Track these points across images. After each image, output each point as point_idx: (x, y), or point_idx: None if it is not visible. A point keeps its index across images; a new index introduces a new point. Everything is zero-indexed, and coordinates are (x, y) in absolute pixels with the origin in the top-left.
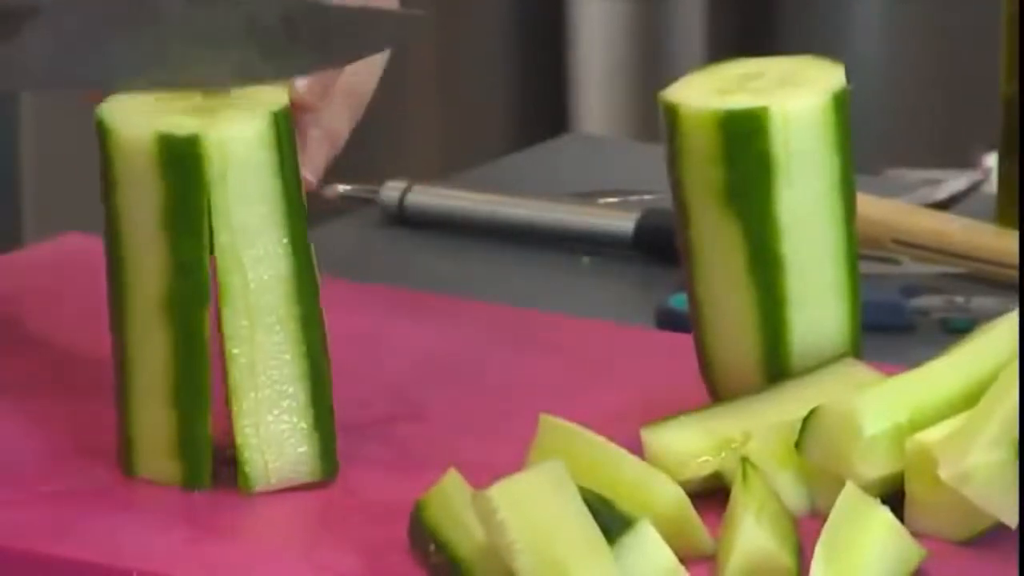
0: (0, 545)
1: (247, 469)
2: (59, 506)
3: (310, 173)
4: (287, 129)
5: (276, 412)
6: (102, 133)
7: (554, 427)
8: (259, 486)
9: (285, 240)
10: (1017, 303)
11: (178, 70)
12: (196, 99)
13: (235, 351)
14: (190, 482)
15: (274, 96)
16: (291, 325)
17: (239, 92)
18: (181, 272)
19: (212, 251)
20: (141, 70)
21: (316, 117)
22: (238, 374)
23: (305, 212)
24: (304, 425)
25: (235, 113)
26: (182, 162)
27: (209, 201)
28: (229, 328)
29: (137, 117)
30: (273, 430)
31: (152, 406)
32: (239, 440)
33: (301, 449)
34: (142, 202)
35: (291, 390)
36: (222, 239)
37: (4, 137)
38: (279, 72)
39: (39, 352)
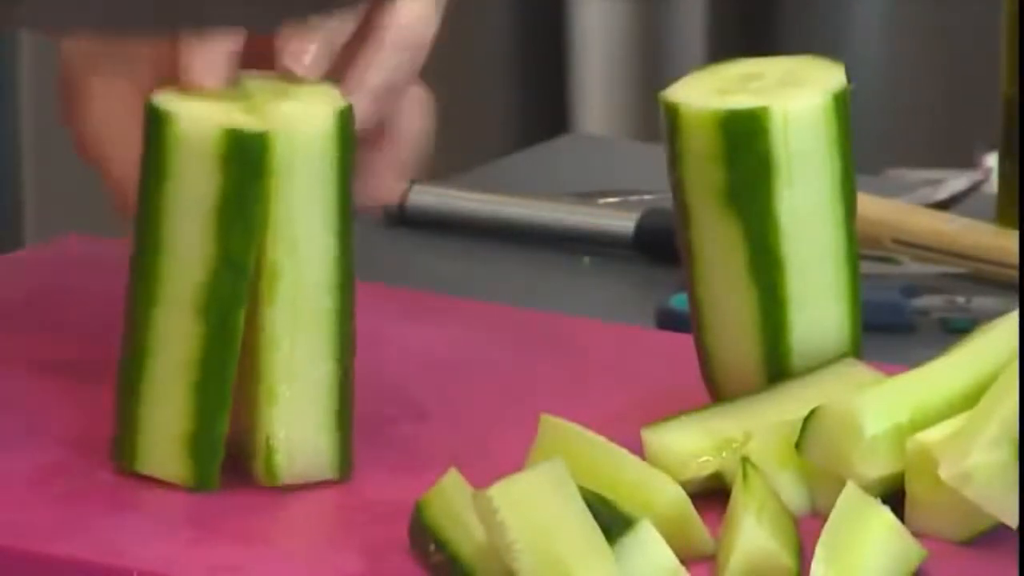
0: (0, 545)
1: (275, 464)
2: (59, 506)
3: (392, 179)
4: (349, 127)
5: (308, 411)
6: (158, 124)
7: (554, 427)
8: (283, 480)
9: (335, 241)
10: (1017, 303)
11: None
12: (251, 93)
13: (275, 349)
14: (200, 483)
15: (335, 93)
16: (332, 326)
17: (297, 88)
18: (227, 267)
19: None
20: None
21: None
22: (276, 372)
23: (354, 214)
24: (331, 424)
25: (298, 108)
26: (246, 157)
27: (268, 198)
28: (272, 326)
29: (198, 110)
30: (302, 428)
31: (168, 401)
32: (269, 436)
33: (325, 448)
34: (194, 194)
35: (324, 391)
36: (277, 236)
37: (4, 137)
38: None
39: (39, 352)
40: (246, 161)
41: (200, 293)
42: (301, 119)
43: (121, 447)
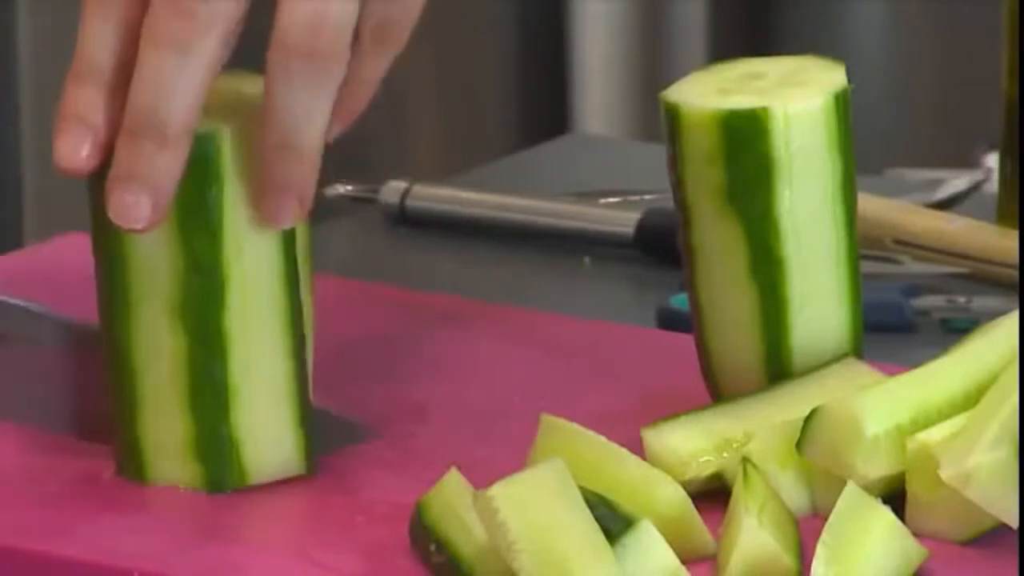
0: (0, 545)
1: (243, 465)
2: (59, 506)
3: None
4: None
5: (271, 411)
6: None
7: (555, 427)
8: (252, 480)
9: (278, 236)
10: (1018, 303)
11: None
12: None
13: (232, 348)
14: (214, 485)
15: None
16: (282, 322)
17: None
18: (197, 272)
19: None
20: None
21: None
22: (235, 374)
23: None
24: (294, 421)
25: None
26: (194, 161)
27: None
28: (228, 325)
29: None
30: (266, 428)
31: (166, 413)
32: (233, 435)
33: (288, 445)
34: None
35: (284, 389)
36: (227, 236)
37: (4, 138)
38: None
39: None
40: (203, 163)
41: (175, 302)
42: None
43: (126, 463)
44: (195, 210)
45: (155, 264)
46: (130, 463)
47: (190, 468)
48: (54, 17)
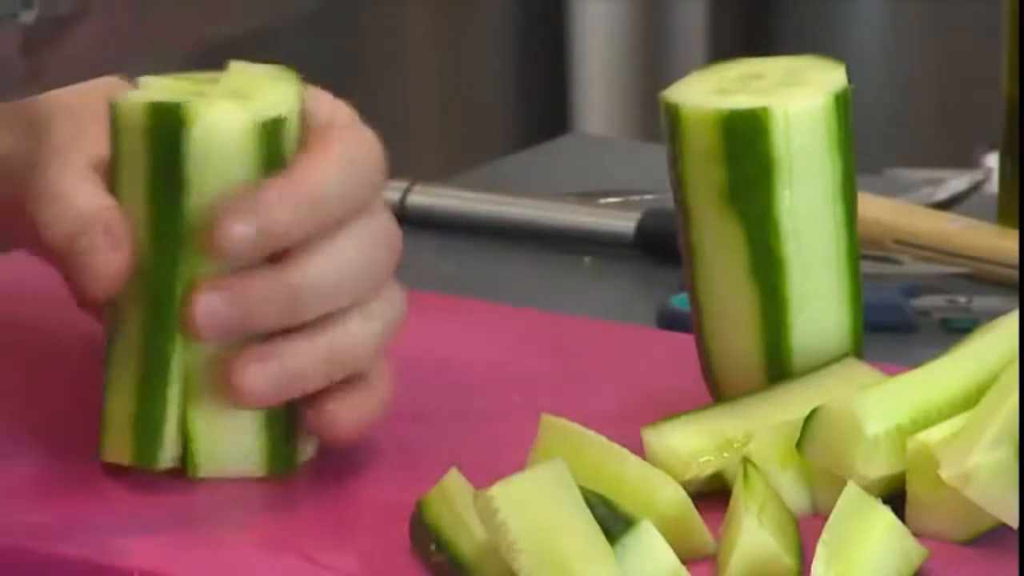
0: (0, 545)
1: (197, 457)
2: (59, 506)
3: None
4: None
5: (226, 406)
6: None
7: (555, 427)
8: (204, 473)
9: None
10: (1018, 303)
11: None
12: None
13: (196, 347)
14: (140, 459)
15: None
16: None
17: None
18: (157, 244)
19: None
20: None
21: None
22: (198, 369)
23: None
24: (257, 421)
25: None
26: (168, 135)
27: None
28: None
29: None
30: (221, 422)
31: (120, 387)
32: (191, 428)
33: (248, 445)
34: (132, 174)
35: None
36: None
37: None
38: None
39: (39, 352)
40: (167, 136)
41: (139, 274)
42: (229, 114)
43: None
44: (162, 183)
45: (134, 235)
46: (100, 439)
47: (125, 442)
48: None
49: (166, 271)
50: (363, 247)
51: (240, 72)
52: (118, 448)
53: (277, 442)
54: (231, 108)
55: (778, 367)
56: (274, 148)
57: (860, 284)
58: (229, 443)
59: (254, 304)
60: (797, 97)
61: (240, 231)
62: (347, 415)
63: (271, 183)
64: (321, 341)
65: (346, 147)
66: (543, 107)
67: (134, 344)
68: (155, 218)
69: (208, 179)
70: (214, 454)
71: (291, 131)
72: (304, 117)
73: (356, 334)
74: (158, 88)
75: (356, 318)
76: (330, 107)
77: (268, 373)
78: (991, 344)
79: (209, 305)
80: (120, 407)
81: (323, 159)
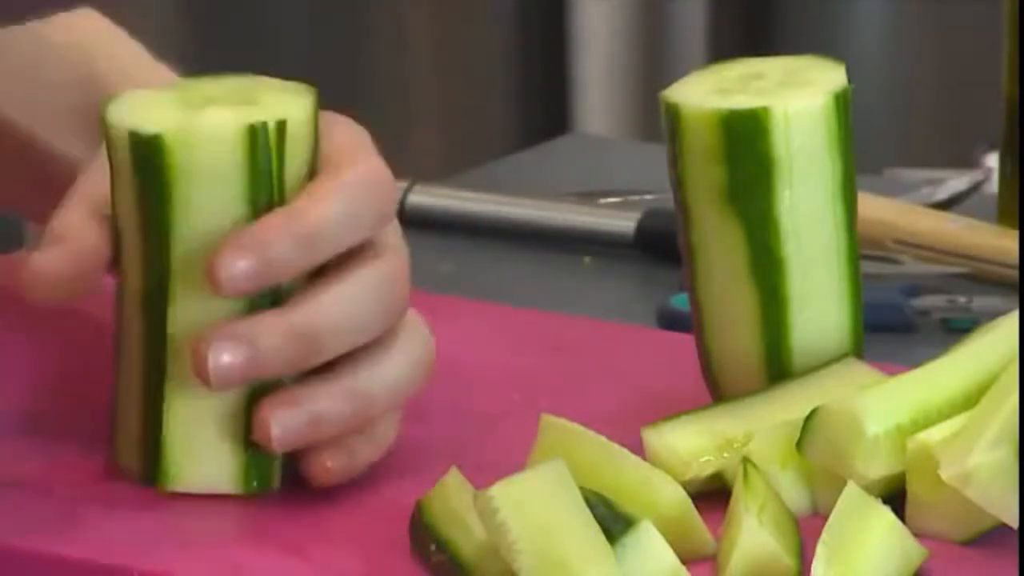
0: (0, 545)
1: (171, 469)
2: (59, 506)
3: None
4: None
5: (208, 422)
6: (104, 125)
7: (555, 427)
8: (178, 487)
9: None
10: (1018, 303)
11: None
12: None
13: (173, 360)
14: (147, 478)
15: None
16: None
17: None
18: (151, 268)
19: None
20: None
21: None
22: (176, 379)
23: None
24: (233, 438)
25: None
26: (149, 163)
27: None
28: (173, 329)
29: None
30: (203, 437)
31: (126, 400)
32: (168, 439)
33: (223, 461)
34: (127, 194)
35: (224, 403)
36: (175, 238)
37: None
38: None
39: (40, 352)
40: (148, 164)
41: (141, 292)
42: (218, 123)
43: (109, 443)
44: (150, 212)
45: (133, 251)
46: (109, 445)
47: (136, 459)
48: None
49: (157, 294)
50: (367, 286)
51: (255, 83)
52: (128, 461)
53: (256, 460)
54: (221, 116)
55: (778, 367)
56: (266, 156)
57: (860, 284)
58: (204, 459)
59: (264, 352)
60: (797, 97)
61: (239, 267)
62: (342, 466)
63: (273, 216)
64: (345, 382)
65: (356, 176)
66: (543, 107)
67: (137, 361)
68: (145, 235)
69: (196, 197)
70: (188, 468)
71: (295, 143)
72: (318, 138)
73: (374, 371)
74: (153, 102)
75: (377, 354)
76: (346, 133)
77: (295, 418)
78: (991, 344)
79: (220, 361)
80: (126, 423)
81: (329, 189)
